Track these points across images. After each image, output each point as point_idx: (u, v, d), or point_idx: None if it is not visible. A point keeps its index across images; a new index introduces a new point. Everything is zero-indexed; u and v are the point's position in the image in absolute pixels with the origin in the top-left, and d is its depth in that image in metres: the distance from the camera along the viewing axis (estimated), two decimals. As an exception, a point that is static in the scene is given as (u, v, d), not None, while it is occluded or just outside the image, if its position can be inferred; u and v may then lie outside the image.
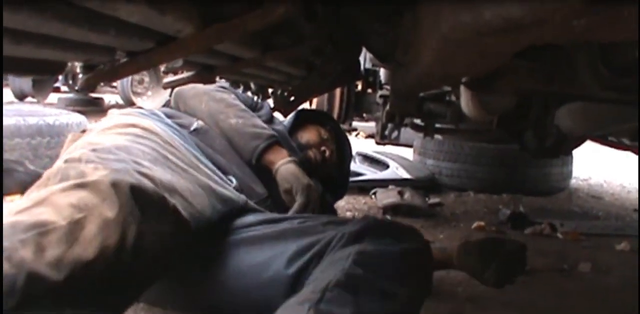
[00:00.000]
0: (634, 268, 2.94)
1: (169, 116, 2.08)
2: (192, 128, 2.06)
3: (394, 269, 1.56)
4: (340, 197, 2.86)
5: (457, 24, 0.77)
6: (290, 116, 2.68)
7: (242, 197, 1.91)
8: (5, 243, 1.26)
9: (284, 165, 2.08)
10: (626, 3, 0.55)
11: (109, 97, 11.76)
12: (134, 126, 1.82)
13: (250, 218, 1.86)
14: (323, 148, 2.47)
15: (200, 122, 2.10)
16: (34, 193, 1.47)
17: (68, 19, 0.75)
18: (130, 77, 9.35)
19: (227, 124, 2.12)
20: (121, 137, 1.73)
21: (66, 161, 1.56)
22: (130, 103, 9.60)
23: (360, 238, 1.62)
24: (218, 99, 2.19)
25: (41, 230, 1.31)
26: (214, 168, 1.93)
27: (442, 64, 1.06)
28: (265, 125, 2.21)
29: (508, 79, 1.52)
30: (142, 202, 1.46)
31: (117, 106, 10.33)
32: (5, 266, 1.22)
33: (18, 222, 1.32)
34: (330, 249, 1.63)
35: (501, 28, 0.71)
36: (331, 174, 2.58)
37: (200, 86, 2.16)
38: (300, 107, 2.66)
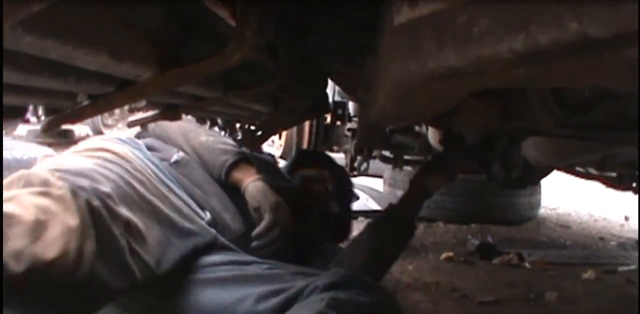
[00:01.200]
0: (599, 296, 2.98)
1: (149, 148, 2.09)
2: (172, 160, 2.06)
3: None
4: (342, 236, 2.84)
5: (404, 71, 0.81)
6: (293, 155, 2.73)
7: (212, 232, 1.90)
8: None
9: (252, 183, 2.06)
10: (557, 59, 0.58)
11: (80, 128, 11.68)
12: (105, 150, 1.82)
13: (217, 257, 1.85)
14: (326, 185, 2.50)
15: (181, 154, 2.10)
16: None
17: (28, 69, 0.78)
18: (100, 110, 9.33)
19: (197, 142, 2.13)
20: (89, 160, 1.73)
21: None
22: (100, 135, 9.56)
23: (333, 290, 1.64)
24: (190, 119, 2.21)
25: (7, 222, 1.34)
26: (190, 201, 1.92)
27: (396, 105, 1.09)
28: (235, 144, 2.22)
29: (466, 116, 1.56)
30: (97, 224, 1.48)
31: (88, 137, 10.27)
32: None
33: None
34: (302, 299, 1.65)
35: (445, 76, 0.74)
36: (330, 212, 2.58)
37: None
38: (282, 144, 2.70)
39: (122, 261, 1.56)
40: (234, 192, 2.09)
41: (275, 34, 1.35)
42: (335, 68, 1.81)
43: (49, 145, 5.27)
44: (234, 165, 2.09)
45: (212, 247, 1.88)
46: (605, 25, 0.49)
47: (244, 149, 2.21)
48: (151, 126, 2.27)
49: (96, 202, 1.50)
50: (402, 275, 3.19)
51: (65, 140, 9.84)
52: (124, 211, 1.60)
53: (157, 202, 1.76)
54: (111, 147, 1.85)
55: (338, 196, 2.62)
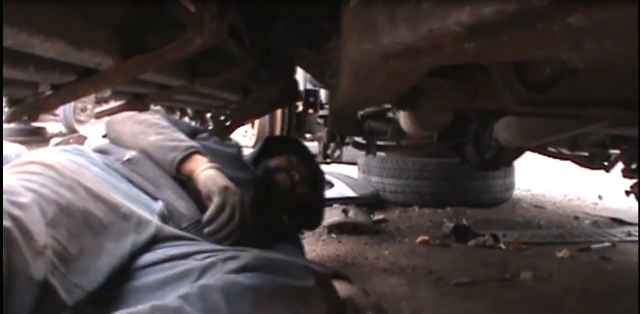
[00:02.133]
0: (573, 274, 3.02)
1: (104, 152, 2.07)
2: (124, 159, 2.05)
3: (239, 304, 1.54)
4: (314, 224, 2.86)
5: (361, 50, 0.82)
6: (260, 143, 2.71)
7: (155, 225, 1.81)
8: None
9: (203, 171, 2.03)
10: (504, 30, 0.59)
11: (52, 126, 11.60)
12: (32, 162, 1.75)
13: (158, 254, 1.76)
14: (293, 173, 2.49)
15: (133, 153, 2.08)
16: None
17: (-15, 57, 0.77)
18: (72, 105, 9.27)
19: (146, 142, 2.09)
20: (12, 176, 1.68)
21: None
22: (72, 131, 9.49)
23: (239, 273, 1.63)
24: (141, 120, 2.16)
25: None
26: (139, 195, 1.89)
27: (358, 86, 1.10)
28: (186, 138, 2.18)
29: (432, 97, 1.57)
30: (9, 250, 1.42)
31: (61, 134, 10.20)
32: None
33: None
34: None
35: (400, 52, 0.75)
36: (302, 199, 2.58)
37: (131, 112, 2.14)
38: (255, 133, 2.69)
39: (41, 284, 1.50)
40: (191, 185, 2.08)
41: (238, 20, 1.36)
42: (301, 54, 1.82)
43: (22, 143, 5.22)
44: (183, 160, 2.06)
45: (154, 241, 1.83)
46: (545, -8, 0.50)
47: (194, 142, 2.17)
48: (108, 131, 2.25)
49: (7, 223, 1.45)
50: (378, 260, 3.21)
51: (38, 138, 9.77)
52: (40, 226, 1.51)
53: (90, 206, 1.68)
54: (39, 158, 1.79)
55: (310, 182, 2.62)
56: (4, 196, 1.50)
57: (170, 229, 1.85)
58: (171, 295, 1.60)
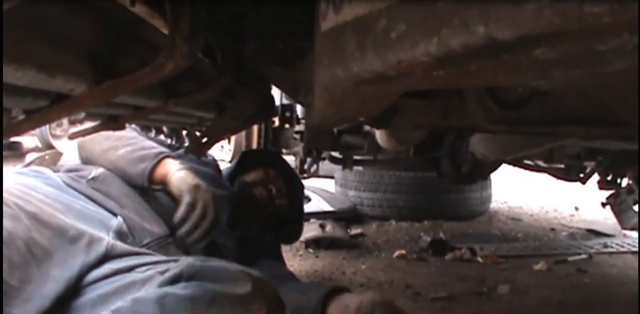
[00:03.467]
0: (550, 286, 3.04)
1: (72, 170, 2.05)
2: (90, 177, 2.02)
3: None
4: (293, 237, 2.85)
5: (332, 76, 0.82)
6: (236, 158, 2.70)
7: (106, 244, 1.77)
8: None
9: (174, 174, 2.00)
10: (472, 60, 0.60)
11: (28, 140, 11.49)
12: None
13: (105, 269, 1.73)
14: (269, 186, 2.48)
15: (100, 170, 2.04)
16: None
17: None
18: (48, 121, 9.23)
19: (115, 157, 2.08)
20: None
21: None
22: (49, 146, 9.42)
23: (174, 283, 1.61)
24: (109, 136, 2.13)
25: None
26: (95, 213, 1.85)
27: (332, 109, 1.10)
28: (155, 145, 2.18)
29: (406, 116, 1.58)
30: None
31: (37, 149, 10.12)
32: None
33: None
34: None
35: (371, 79, 0.75)
36: (281, 212, 2.58)
37: None
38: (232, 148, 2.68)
39: None
40: (159, 201, 2.07)
41: (211, 39, 1.36)
42: (274, 72, 1.82)
43: (-4, 158, 5.16)
44: (154, 168, 2.04)
45: (105, 259, 1.75)
46: (509, 27, 0.50)
47: (163, 148, 2.15)
48: (79, 152, 2.22)
49: None
50: (355, 275, 3.21)
51: (14, 152, 9.68)
52: None
53: (30, 233, 1.63)
54: None
55: (288, 194, 2.62)
56: None
57: (123, 246, 1.81)
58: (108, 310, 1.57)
